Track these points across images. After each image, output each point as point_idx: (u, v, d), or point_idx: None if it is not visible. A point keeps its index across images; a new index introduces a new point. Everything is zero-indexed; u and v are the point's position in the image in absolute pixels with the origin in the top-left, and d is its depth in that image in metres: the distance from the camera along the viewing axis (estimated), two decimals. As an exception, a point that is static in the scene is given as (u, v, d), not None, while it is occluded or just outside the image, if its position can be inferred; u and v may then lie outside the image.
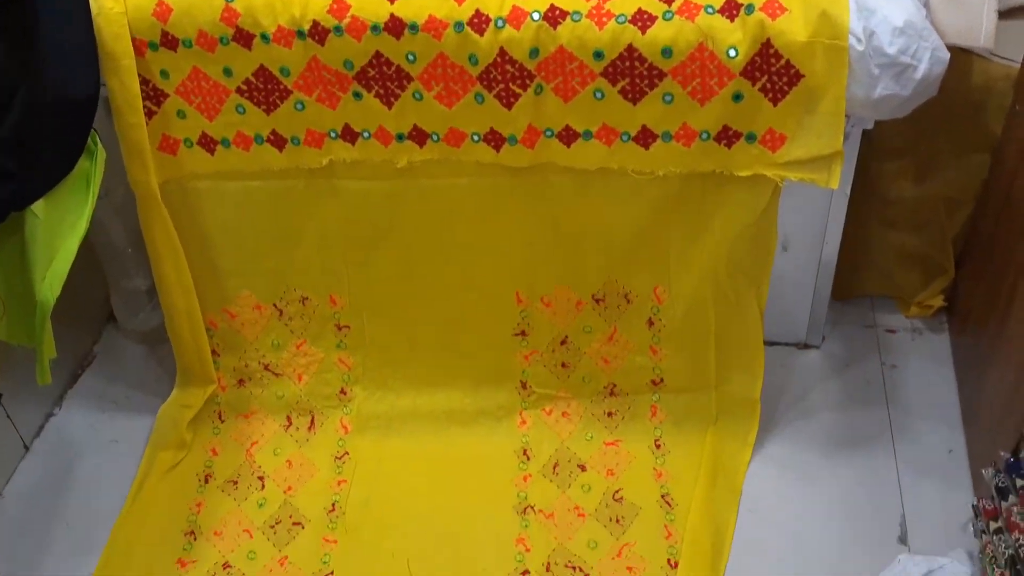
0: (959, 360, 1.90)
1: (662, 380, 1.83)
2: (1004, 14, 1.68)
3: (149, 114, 1.57)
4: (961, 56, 1.66)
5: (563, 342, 1.82)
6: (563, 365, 1.84)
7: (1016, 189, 1.62)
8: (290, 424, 1.88)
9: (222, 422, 1.89)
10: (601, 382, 1.85)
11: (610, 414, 1.84)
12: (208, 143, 1.61)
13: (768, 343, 1.85)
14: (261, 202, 1.69)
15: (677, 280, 1.71)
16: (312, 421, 1.88)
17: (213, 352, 1.86)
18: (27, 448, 1.89)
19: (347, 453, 1.83)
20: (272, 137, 1.60)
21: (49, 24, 1.41)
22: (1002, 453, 1.48)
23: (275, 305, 1.82)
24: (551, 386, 1.85)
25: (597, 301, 1.77)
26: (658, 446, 1.80)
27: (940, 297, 1.96)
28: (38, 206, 1.44)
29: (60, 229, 1.47)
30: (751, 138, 1.49)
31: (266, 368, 1.88)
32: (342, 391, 1.88)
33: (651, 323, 1.77)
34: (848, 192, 1.70)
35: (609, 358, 1.82)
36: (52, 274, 1.47)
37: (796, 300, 1.89)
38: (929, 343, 1.97)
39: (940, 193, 1.84)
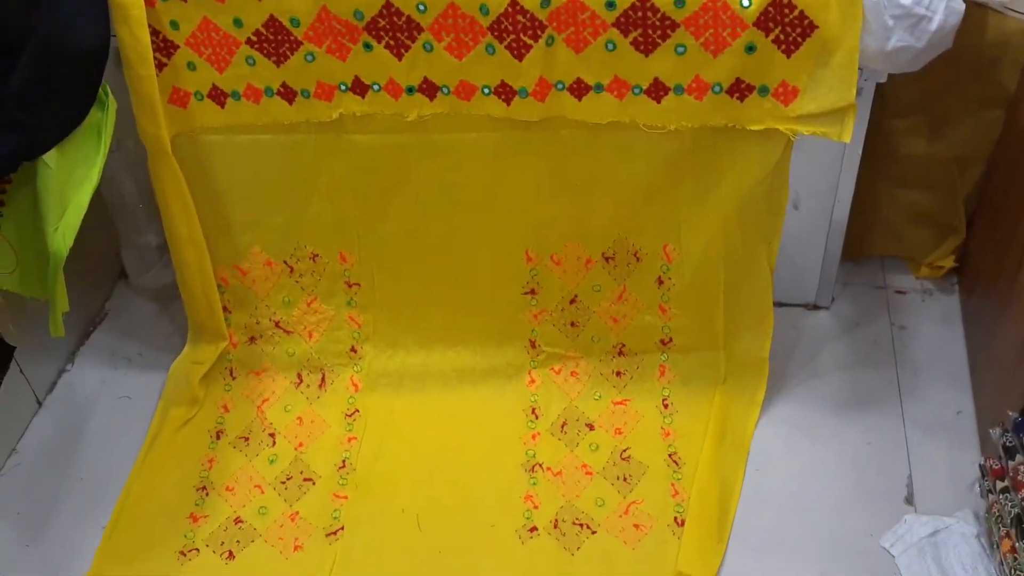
0: (969, 321, 1.90)
1: (671, 340, 1.83)
2: (1020, -33, 1.67)
3: (159, 66, 1.56)
4: (976, 11, 1.65)
5: (572, 301, 1.82)
6: (572, 324, 1.84)
7: (1028, 146, 1.61)
8: (301, 381, 1.89)
9: (233, 379, 1.90)
10: (610, 341, 1.85)
11: (619, 373, 1.85)
12: (218, 96, 1.61)
13: (778, 304, 1.84)
14: (271, 156, 1.68)
15: (687, 238, 1.71)
16: (323, 378, 1.89)
17: (224, 309, 1.86)
18: (40, 404, 1.90)
19: (357, 410, 1.84)
20: (282, 90, 1.59)
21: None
22: (1009, 412, 1.48)
23: (286, 262, 1.82)
24: (560, 345, 1.86)
25: (607, 259, 1.76)
26: (666, 405, 1.81)
27: (951, 258, 1.95)
28: (50, 156, 1.44)
29: (72, 180, 1.48)
30: (764, 91, 1.48)
31: (277, 325, 1.88)
32: (352, 349, 1.89)
33: (660, 282, 1.77)
34: (860, 149, 1.69)
35: (618, 317, 1.82)
36: (65, 225, 1.47)
37: (806, 260, 1.89)
38: (939, 304, 1.96)
39: (953, 151, 1.83)
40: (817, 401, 1.80)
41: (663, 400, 1.81)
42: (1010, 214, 1.68)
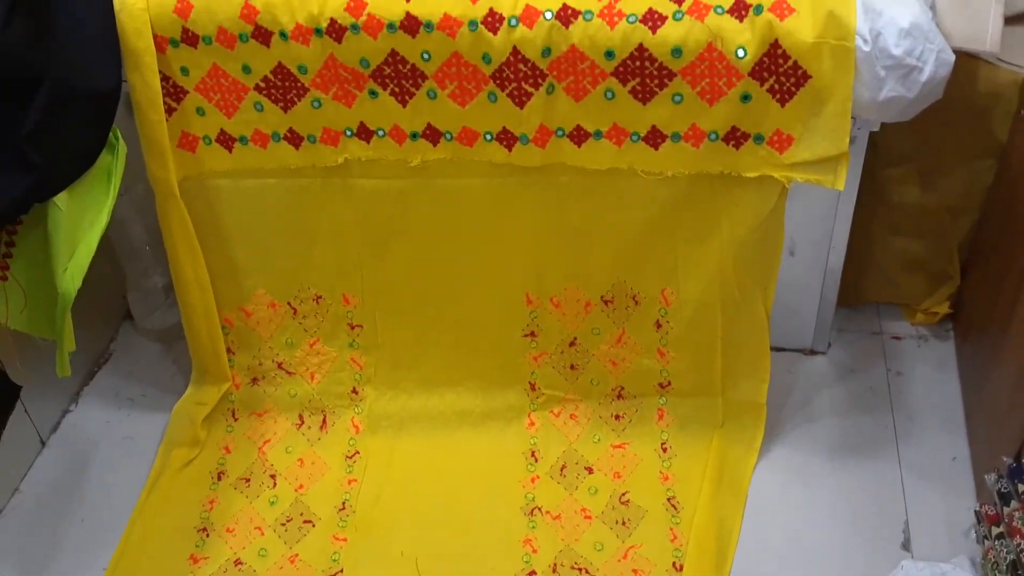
0: (964, 367, 1.91)
1: (669, 383, 1.84)
2: (1011, 19, 1.70)
3: (169, 111, 1.60)
4: (968, 61, 1.68)
5: (572, 344, 1.84)
6: (572, 367, 1.86)
7: (1020, 196, 1.64)
8: (302, 423, 1.90)
9: (235, 420, 1.91)
10: (609, 384, 1.86)
11: (618, 417, 1.86)
12: (226, 140, 1.64)
13: (775, 348, 1.86)
14: (278, 200, 1.72)
15: (685, 282, 1.73)
16: (324, 420, 1.90)
17: (228, 350, 1.88)
18: (44, 443, 1.92)
19: (358, 452, 1.85)
20: (289, 135, 1.63)
21: (72, 17, 1.44)
22: (1004, 458, 1.49)
23: (289, 303, 1.85)
24: (560, 388, 1.87)
25: (606, 302, 1.79)
26: (665, 449, 1.82)
27: (946, 304, 1.97)
28: (60, 198, 1.47)
29: (82, 222, 1.50)
30: (759, 139, 1.51)
31: (279, 366, 1.90)
32: (354, 391, 1.91)
33: (659, 325, 1.79)
34: (854, 197, 1.72)
35: (617, 360, 1.84)
36: (74, 266, 1.50)
37: (803, 305, 1.91)
38: (934, 350, 1.98)
39: (945, 199, 1.86)
40: (814, 446, 1.81)
41: (662, 444, 1.83)
42: (1001, 262, 1.71)
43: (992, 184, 1.81)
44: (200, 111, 1.61)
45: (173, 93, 1.59)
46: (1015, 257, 1.63)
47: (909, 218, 1.89)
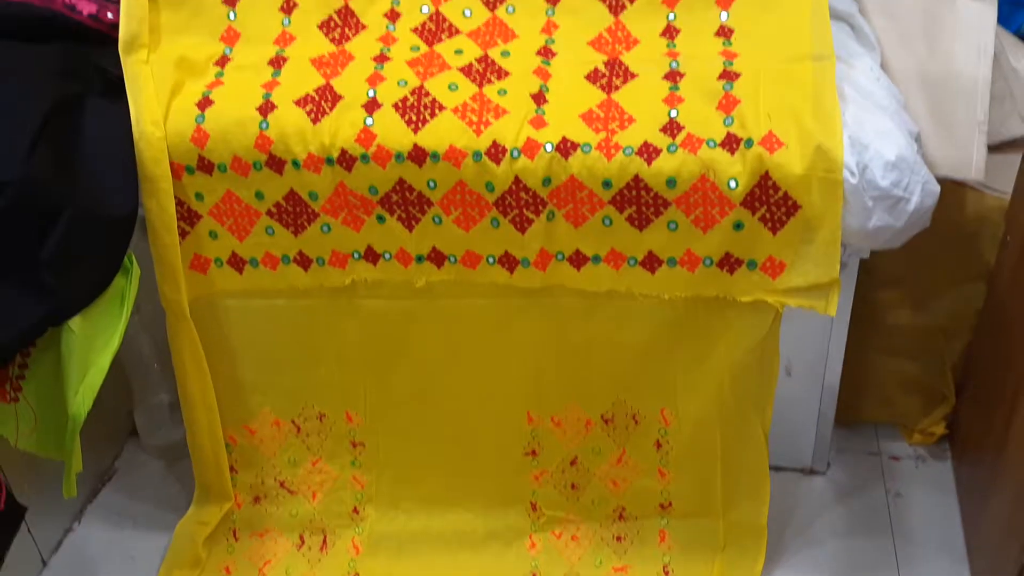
0: (962, 489, 1.92)
1: (670, 504, 1.85)
2: (994, 148, 1.77)
3: (183, 234, 1.64)
4: (955, 187, 1.74)
5: (573, 462, 1.85)
6: (572, 486, 1.86)
7: (1008, 318, 1.67)
8: (303, 543, 1.90)
9: (236, 540, 1.90)
10: (610, 505, 1.87)
11: (619, 538, 1.86)
12: (237, 263, 1.69)
13: (774, 468, 1.87)
14: (285, 320, 1.75)
15: (684, 402, 1.75)
16: (324, 541, 1.90)
17: (231, 468, 1.88)
18: (45, 563, 1.90)
19: (357, 574, 1.84)
20: (298, 257, 1.68)
21: (94, 147, 1.50)
22: (1004, 582, 1.49)
23: (293, 421, 1.86)
24: (561, 508, 1.87)
25: (606, 421, 1.81)
26: (667, 572, 1.81)
27: (942, 425, 1.99)
28: (74, 322, 1.49)
29: (95, 345, 1.53)
30: (752, 265, 1.56)
31: (281, 485, 1.91)
32: (355, 510, 1.91)
33: (659, 445, 1.81)
34: (847, 319, 1.76)
35: (618, 480, 1.85)
36: (85, 388, 1.52)
37: (801, 425, 1.93)
38: (933, 471, 1.98)
39: (938, 321, 1.90)
40: (815, 570, 1.80)
41: (664, 567, 1.82)
42: (995, 385, 1.73)
43: (982, 307, 1.85)
44: (213, 234, 1.66)
45: (187, 217, 1.64)
46: (1007, 380, 1.66)
47: (903, 339, 1.92)
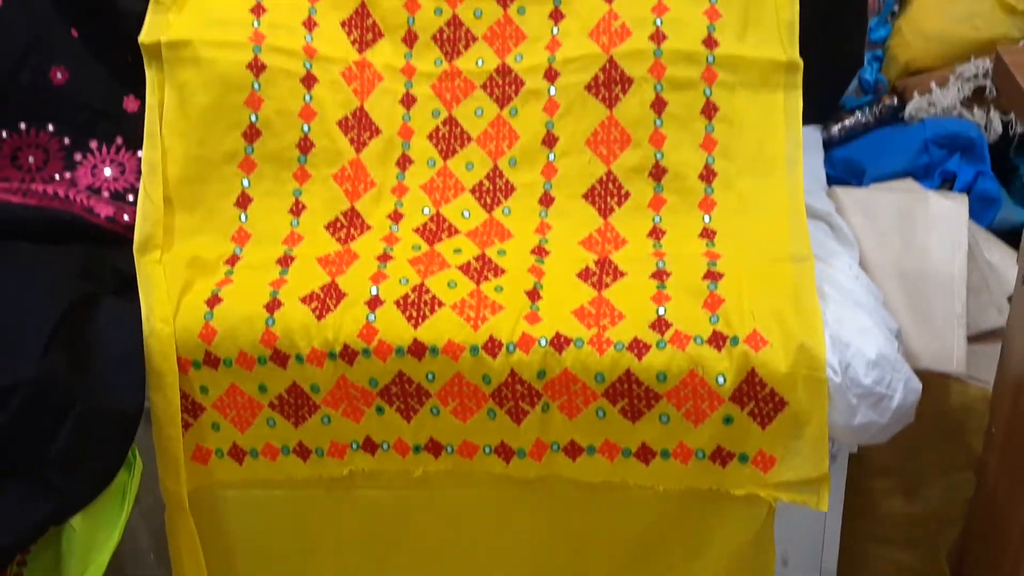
0: None
1: None
2: (974, 339, 1.82)
3: (185, 426, 1.67)
4: (939, 378, 1.79)
5: (570, 654, 1.83)
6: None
7: (998, 508, 1.69)
8: None
9: None
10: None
11: None
12: (238, 453, 1.71)
13: (779, 657, 1.85)
14: (283, 510, 1.76)
15: (680, 595, 1.75)
16: None
17: (225, 660, 1.86)
18: None
19: None
20: (298, 448, 1.70)
21: (105, 344, 1.55)
22: None
23: (286, 613, 1.85)
24: None
25: (603, 613, 1.80)
26: None
27: (940, 613, 1.98)
28: (76, 519, 1.50)
29: (95, 541, 1.53)
30: (743, 459, 1.59)
31: None
32: None
33: (657, 638, 1.79)
34: (840, 510, 1.77)
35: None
36: (84, 584, 1.52)
37: (801, 615, 1.91)
38: (935, 662, 1.96)
39: (930, 510, 1.91)
40: None
41: None
42: (990, 573, 1.73)
43: (972, 496, 1.87)
44: (215, 426, 1.69)
45: (191, 410, 1.67)
46: (1001, 567, 1.66)
47: (897, 528, 1.93)
